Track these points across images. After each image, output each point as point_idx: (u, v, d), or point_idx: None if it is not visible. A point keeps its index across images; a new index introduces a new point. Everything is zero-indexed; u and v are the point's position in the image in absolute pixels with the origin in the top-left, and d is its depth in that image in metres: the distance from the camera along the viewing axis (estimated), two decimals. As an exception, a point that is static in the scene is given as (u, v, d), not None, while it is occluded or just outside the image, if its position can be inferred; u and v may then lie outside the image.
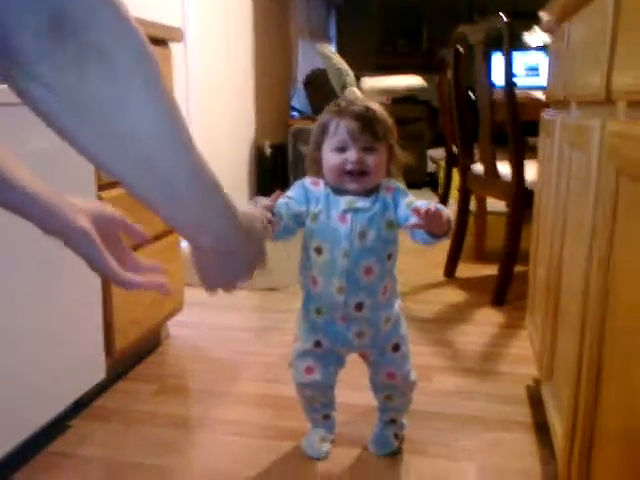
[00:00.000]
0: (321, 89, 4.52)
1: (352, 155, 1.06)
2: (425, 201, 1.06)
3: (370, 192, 1.09)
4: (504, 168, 2.12)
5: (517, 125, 2.01)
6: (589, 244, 0.86)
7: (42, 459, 1.23)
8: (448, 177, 3.52)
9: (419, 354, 1.49)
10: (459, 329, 1.92)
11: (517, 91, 2.06)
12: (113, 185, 1.41)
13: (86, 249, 0.60)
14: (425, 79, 4.09)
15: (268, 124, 4.30)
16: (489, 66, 2.14)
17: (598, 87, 0.83)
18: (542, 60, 3.16)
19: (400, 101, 4.80)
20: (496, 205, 3.35)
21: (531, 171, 1.96)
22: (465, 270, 2.52)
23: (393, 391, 1.21)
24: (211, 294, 0.70)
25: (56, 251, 1.18)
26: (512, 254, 2.10)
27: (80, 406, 1.41)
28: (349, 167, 1.06)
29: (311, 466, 1.19)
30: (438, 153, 4.66)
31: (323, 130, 1.10)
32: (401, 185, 1.12)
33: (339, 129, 1.07)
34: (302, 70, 5.08)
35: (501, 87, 2.04)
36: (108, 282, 1.39)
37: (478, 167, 2.38)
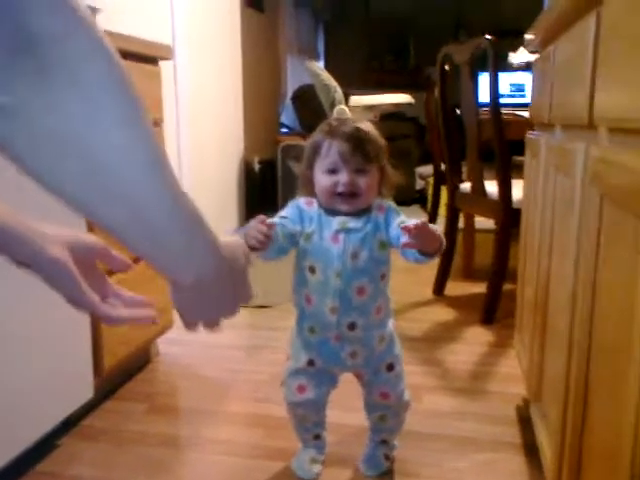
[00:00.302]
0: (309, 105, 4.56)
1: (343, 177, 1.06)
2: (416, 220, 1.04)
3: (362, 212, 1.10)
4: (491, 186, 2.14)
5: (503, 144, 2.04)
6: (575, 264, 0.88)
7: (31, 479, 1.21)
8: (436, 194, 3.55)
9: (409, 373, 1.47)
10: (448, 348, 1.92)
11: (503, 110, 2.09)
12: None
13: (60, 281, 0.55)
14: (413, 96, 4.13)
15: (257, 140, 4.32)
16: (475, 85, 2.17)
17: (581, 111, 0.85)
18: (528, 80, 3.21)
19: (388, 118, 4.84)
20: (484, 223, 3.38)
21: (518, 190, 1.98)
22: (454, 288, 2.53)
23: (387, 411, 1.20)
24: (192, 331, 0.65)
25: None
26: (500, 272, 2.12)
27: (69, 425, 1.40)
28: (340, 189, 1.07)
29: (301, 486, 1.19)
30: (426, 170, 4.70)
31: (315, 150, 1.10)
32: (393, 205, 1.13)
33: (331, 151, 1.07)
34: (291, 86, 5.12)
35: (487, 105, 2.07)
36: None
37: (466, 185, 2.40)
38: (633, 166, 0.57)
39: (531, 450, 1.30)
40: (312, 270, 1.10)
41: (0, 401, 1.10)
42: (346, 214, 1.09)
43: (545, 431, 1.12)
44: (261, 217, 1.02)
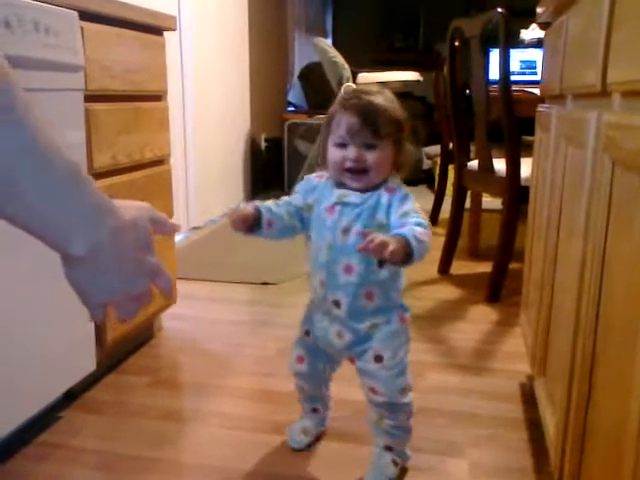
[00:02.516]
0: (317, 83, 4.52)
1: (351, 153, 1.03)
2: (414, 220, 1.00)
3: (370, 189, 1.06)
4: (500, 164, 2.12)
5: (513, 120, 2.00)
6: (584, 238, 0.86)
7: (33, 450, 1.22)
8: (444, 174, 3.52)
9: (413, 351, 1.46)
10: (453, 326, 1.91)
11: (513, 87, 2.05)
12: (105, 175, 1.40)
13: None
14: (421, 75, 4.09)
15: (263, 118, 4.29)
16: (486, 60, 2.14)
17: (594, 79, 0.82)
18: (539, 57, 3.16)
19: (396, 97, 4.80)
20: (491, 203, 3.35)
21: (526, 168, 1.96)
22: (460, 267, 2.52)
23: (381, 410, 1.10)
24: (97, 319, 0.57)
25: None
26: (507, 250, 2.10)
27: (71, 398, 1.41)
28: (348, 165, 1.04)
29: (302, 460, 1.19)
30: (434, 150, 4.66)
31: (329, 122, 1.07)
32: (404, 190, 1.06)
33: (341, 124, 1.04)
34: (298, 64, 5.07)
35: (497, 82, 2.04)
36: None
37: (473, 163, 2.38)
38: (648, 128, 0.55)
39: (534, 426, 1.29)
40: (309, 240, 1.10)
41: (2, 372, 1.10)
42: (353, 189, 1.06)
43: (549, 406, 1.11)
44: (247, 206, 1.04)
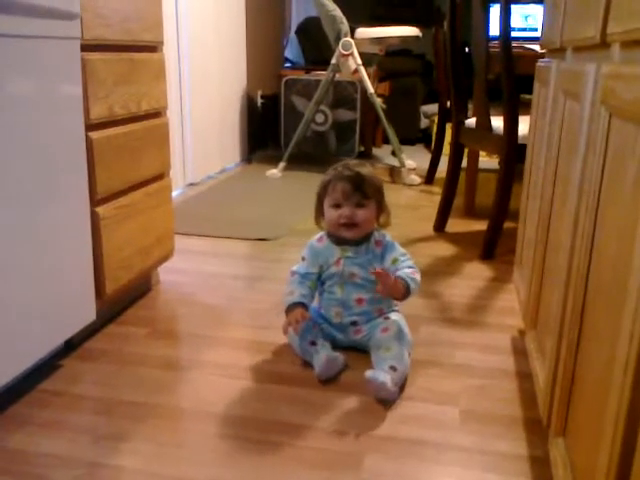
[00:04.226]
0: (314, 38, 4.44)
1: (345, 211, 1.36)
2: (406, 264, 1.38)
3: (362, 240, 1.39)
4: (497, 122, 2.11)
5: (512, 76, 1.99)
6: (578, 190, 0.87)
7: (35, 396, 1.25)
8: (441, 133, 3.50)
9: (407, 305, 1.50)
10: (447, 282, 1.94)
11: (513, 43, 2.03)
12: (102, 126, 1.40)
13: None
14: (420, 32, 4.02)
15: (260, 74, 4.23)
16: (486, 15, 2.11)
17: (594, 31, 0.82)
18: (540, 12, 3.11)
19: (394, 54, 4.73)
20: (488, 163, 3.34)
21: (524, 126, 1.95)
22: (455, 225, 2.53)
23: (389, 342, 1.32)
24: None
25: (43, 186, 1.18)
26: (502, 207, 2.11)
27: (71, 347, 1.43)
28: (342, 220, 1.36)
29: (300, 409, 1.22)
30: (431, 109, 4.62)
31: (325, 188, 1.39)
32: (389, 239, 1.42)
33: (335, 189, 1.36)
34: (296, 19, 4.98)
35: (497, 38, 2.01)
36: (97, 224, 1.39)
37: (471, 121, 2.37)
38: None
39: (524, 377, 1.33)
40: (322, 286, 1.44)
41: (1, 321, 1.11)
42: (348, 243, 1.39)
43: (539, 358, 1.14)
44: (299, 314, 1.33)
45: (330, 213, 1.38)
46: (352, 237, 1.38)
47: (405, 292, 1.33)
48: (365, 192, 1.35)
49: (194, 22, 3.14)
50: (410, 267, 1.37)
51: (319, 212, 1.43)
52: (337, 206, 1.37)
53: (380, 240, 1.41)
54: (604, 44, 0.79)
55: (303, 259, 1.44)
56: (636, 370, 0.55)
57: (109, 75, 1.40)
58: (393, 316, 1.41)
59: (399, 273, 1.34)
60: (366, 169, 1.40)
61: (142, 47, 1.57)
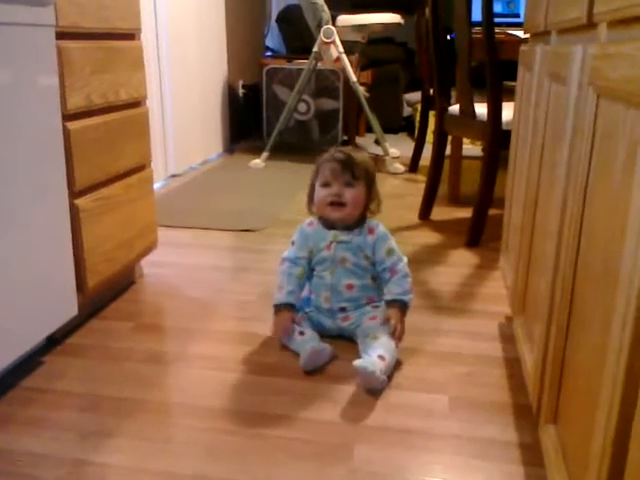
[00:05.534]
0: (296, 26, 4.40)
1: (334, 189, 1.36)
2: (399, 265, 1.40)
3: (353, 226, 1.39)
4: (481, 108, 2.10)
5: (495, 61, 1.98)
6: (566, 174, 0.86)
7: (17, 393, 1.22)
8: (424, 120, 3.49)
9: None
10: (433, 269, 1.93)
11: (496, 29, 2.02)
12: (79, 116, 1.36)
13: None
14: (402, 18, 3.99)
15: (241, 63, 4.18)
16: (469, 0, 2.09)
17: (580, 12, 0.81)
18: (522, -1, 3.11)
19: (376, 42, 4.69)
20: (471, 150, 3.34)
21: (508, 112, 1.95)
22: (440, 213, 2.53)
23: (376, 330, 1.33)
24: None
25: (20, 179, 1.14)
26: (487, 194, 2.10)
27: (53, 343, 1.40)
28: (330, 199, 1.37)
29: (288, 400, 1.21)
30: (414, 97, 4.60)
31: (317, 170, 1.41)
32: (383, 230, 1.41)
33: (325, 169, 1.38)
34: (276, 7, 4.92)
35: (480, 24, 2.00)
36: (77, 217, 1.36)
37: (455, 108, 2.35)
38: (636, 54, 0.54)
39: (512, 363, 1.33)
40: (312, 270, 1.43)
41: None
42: (339, 227, 1.39)
43: (527, 343, 1.14)
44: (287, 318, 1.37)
45: (319, 192, 1.38)
46: (340, 218, 1.38)
47: (406, 310, 1.39)
48: (354, 172, 1.36)
49: (173, 10, 3.09)
50: (404, 272, 1.41)
51: (311, 197, 1.43)
52: (326, 185, 1.37)
53: (373, 228, 1.41)
54: (591, 24, 0.78)
55: (292, 243, 1.44)
56: (630, 355, 0.54)
57: (86, 64, 1.37)
58: (382, 305, 1.40)
59: (398, 290, 1.39)
60: (360, 154, 1.42)
61: (119, 35, 1.53)
